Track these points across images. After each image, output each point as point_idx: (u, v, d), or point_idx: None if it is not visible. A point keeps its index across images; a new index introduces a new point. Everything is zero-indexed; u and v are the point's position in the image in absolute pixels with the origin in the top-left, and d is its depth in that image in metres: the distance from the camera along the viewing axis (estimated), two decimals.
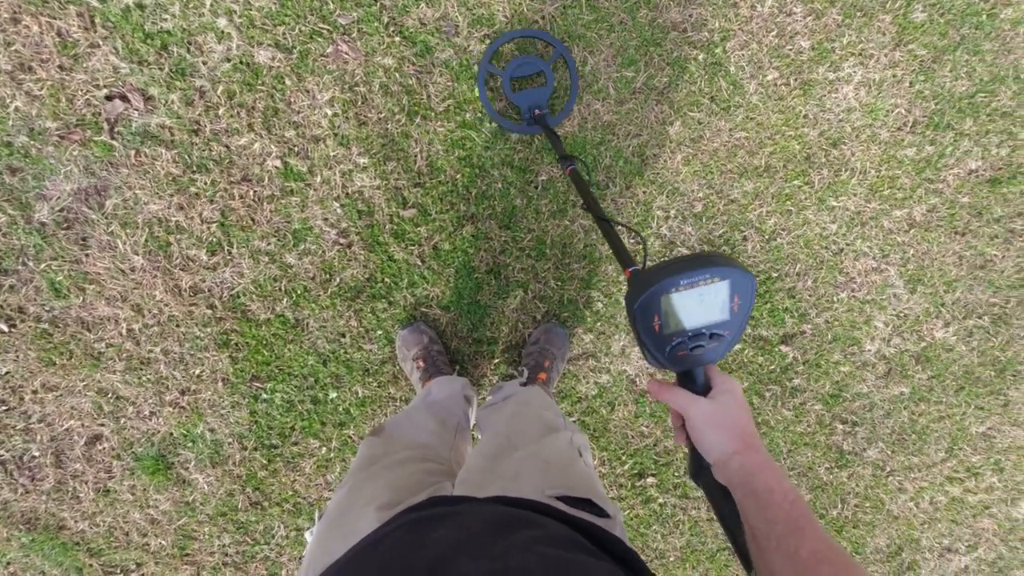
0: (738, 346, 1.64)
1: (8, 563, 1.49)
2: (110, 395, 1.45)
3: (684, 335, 0.58)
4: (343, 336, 1.50)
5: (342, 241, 1.47)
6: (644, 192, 1.54)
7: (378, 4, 1.40)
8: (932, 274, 1.65)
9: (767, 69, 1.53)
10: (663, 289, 0.56)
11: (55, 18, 1.32)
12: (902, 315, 1.67)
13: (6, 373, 1.42)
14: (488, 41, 1.44)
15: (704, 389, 0.61)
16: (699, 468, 0.60)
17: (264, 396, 1.49)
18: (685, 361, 0.59)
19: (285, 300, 1.46)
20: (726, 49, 1.51)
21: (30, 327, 1.40)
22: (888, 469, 1.75)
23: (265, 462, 1.52)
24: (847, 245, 1.62)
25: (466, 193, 1.48)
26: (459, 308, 1.52)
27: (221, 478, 1.51)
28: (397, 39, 1.42)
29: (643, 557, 1.70)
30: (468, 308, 1.52)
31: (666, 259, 0.58)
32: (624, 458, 1.64)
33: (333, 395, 1.52)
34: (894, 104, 1.56)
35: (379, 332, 1.51)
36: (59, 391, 1.44)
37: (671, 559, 1.72)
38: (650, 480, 1.66)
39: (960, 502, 1.80)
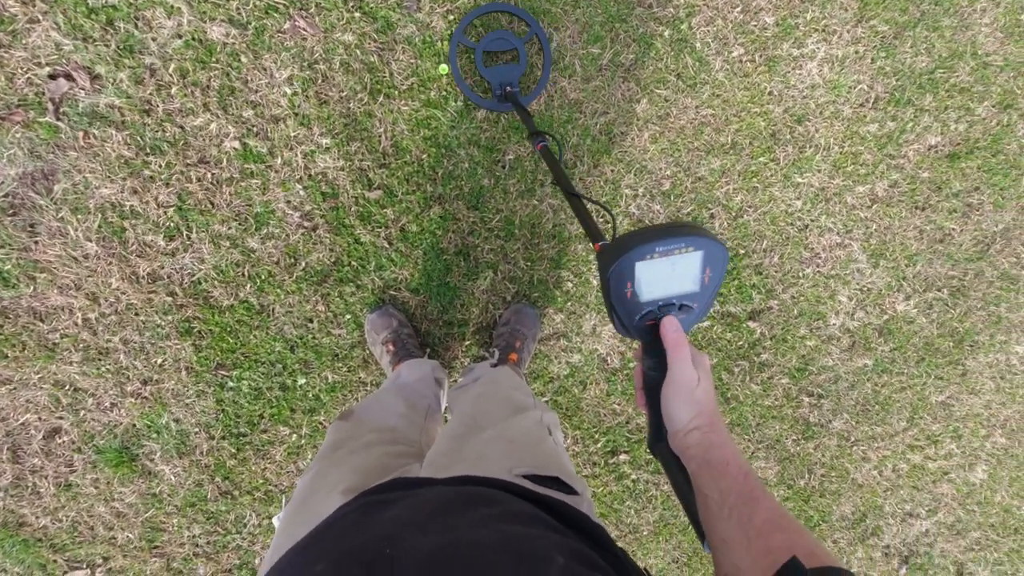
0: (707, 323, 1.66)
1: None
2: (67, 387, 1.40)
3: (655, 304, 0.58)
4: (310, 321, 1.47)
5: (306, 224, 1.43)
6: (612, 171, 1.54)
7: None
8: (894, 248, 1.68)
9: (732, 45, 1.52)
10: (638, 255, 0.55)
11: None
12: (865, 289, 1.71)
13: None
14: (453, 16, 1.40)
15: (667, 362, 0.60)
16: (657, 436, 0.60)
17: (231, 384, 1.46)
18: (653, 330, 0.59)
19: (249, 286, 1.43)
20: (691, 25, 1.50)
21: None
22: (853, 439, 1.80)
23: (234, 451, 1.50)
24: (812, 221, 1.64)
25: (432, 174, 1.46)
26: (428, 290, 1.50)
27: (188, 468, 1.48)
28: (357, 15, 1.37)
29: (616, 532, 1.73)
30: (437, 290, 1.51)
31: (642, 226, 0.57)
32: (597, 436, 1.66)
33: (302, 381, 1.49)
34: (857, 80, 1.57)
35: (347, 316, 1.48)
36: (12, 384, 1.39)
37: (644, 533, 1.75)
38: (623, 457, 1.68)
39: (921, 469, 1.86)
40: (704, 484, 0.52)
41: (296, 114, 1.39)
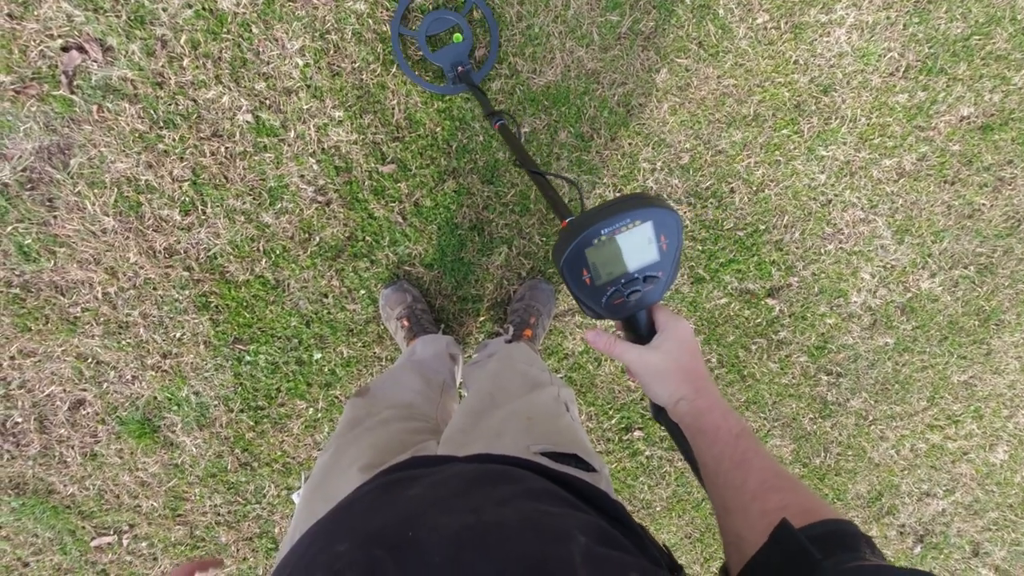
0: (723, 299, 1.63)
1: (0, 526, 1.50)
2: (90, 360, 1.43)
3: (617, 283, 0.57)
4: (325, 296, 1.47)
5: (320, 199, 1.43)
6: (630, 144, 1.50)
7: None
8: (920, 224, 1.64)
9: (757, 12, 1.47)
10: (586, 241, 0.54)
11: None
12: (889, 266, 1.66)
13: None
14: (386, 9, 1.35)
15: (649, 332, 0.60)
16: (658, 409, 0.60)
17: (248, 358, 1.48)
18: (624, 308, 0.58)
19: (264, 261, 1.43)
20: None
21: (1, 292, 1.37)
22: (871, 418, 1.78)
23: (252, 423, 1.52)
24: (835, 196, 1.60)
25: (447, 147, 1.44)
26: (442, 266, 1.50)
27: (209, 440, 1.51)
28: None
29: (630, 508, 1.74)
30: (452, 266, 1.50)
31: (588, 210, 0.56)
32: (611, 413, 1.66)
33: (318, 356, 1.50)
34: (887, 48, 1.51)
35: (362, 292, 1.48)
36: (37, 357, 1.42)
37: (658, 509, 1.76)
38: (637, 434, 1.68)
39: (940, 449, 1.84)
40: (700, 452, 0.52)
41: (308, 86, 1.37)
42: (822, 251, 1.63)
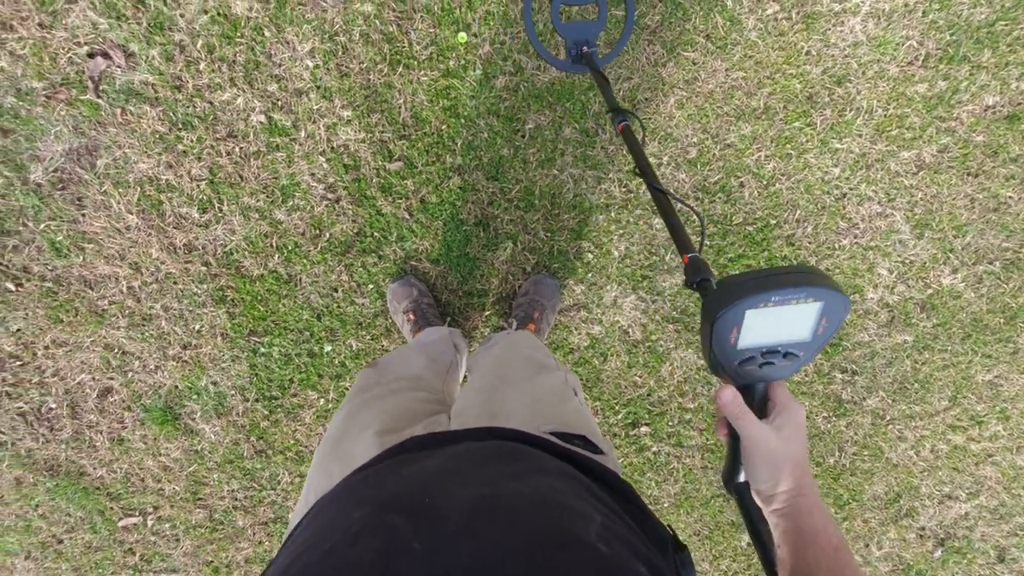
0: None
1: (37, 505, 1.60)
2: (116, 350, 1.51)
3: (759, 350, 0.55)
4: (335, 291, 1.52)
5: (330, 196, 1.47)
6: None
7: None
8: (941, 218, 1.58)
9: (767, 2, 1.44)
10: (752, 303, 0.52)
11: None
12: (907, 261, 1.61)
13: (18, 330, 1.48)
14: None
15: (759, 405, 0.58)
16: (735, 477, 0.59)
17: (262, 350, 1.54)
18: (750, 375, 0.56)
19: (277, 256, 1.48)
20: None
21: (36, 286, 1.45)
22: (888, 418, 1.73)
23: (267, 413, 1.58)
24: (851, 189, 1.56)
25: (452, 144, 1.46)
26: (448, 261, 1.52)
27: (226, 428, 1.58)
28: None
29: None
30: (457, 261, 1.52)
31: (756, 269, 0.54)
32: (617, 408, 1.66)
33: (328, 348, 1.55)
34: (905, 36, 1.46)
35: (370, 286, 1.52)
36: (68, 347, 1.50)
37: (665, 505, 1.76)
38: (644, 429, 1.68)
39: (962, 450, 1.78)
40: (790, 550, 0.50)
41: (318, 87, 1.41)
42: (836, 246, 1.60)
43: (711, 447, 1.70)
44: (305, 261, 1.49)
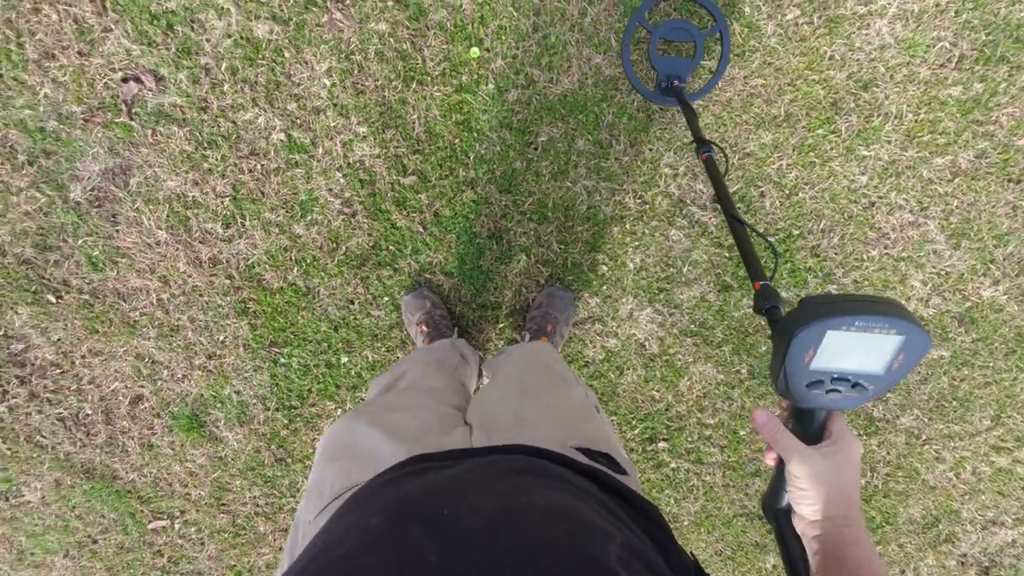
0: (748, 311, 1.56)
1: (74, 507, 1.68)
2: (147, 360, 1.58)
3: (829, 374, 0.54)
4: (352, 303, 1.55)
5: (346, 211, 1.50)
6: (650, 149, 1.47)
7: None
8: (979, 227, 1.50)
9: (787, 7, 1.40)
10: (834, 324, 0.52)
11: (71, 5, 1.39)
12: (943, 273, 1.53)
13: (58, 340, 1.57)
14: None
15: (815, 433, 0.57)
16: (776, 503, 0.58)
17: (282, 360, 1.58)
18: (814, 400, 0.56)
19: (296, 269, 1.52)
20: None
21: (74, 298, 1.54)
22: (924, 437, 1.64)
23: (286, 422, 1.62)
24: (879, 198, 1.49)
25: (465, 158, 1.47)
26: (462, 274, 1.53)
27: (248, 436, 1.62)
28: (390, 3, 1.40)
29: None
30: (471, 274, 1.53)
31: (842, 292, 0.54)
32: (634, 423, 1.63)
33: (345, 359, 1.58)
34: (937, 38, 1.39)
35: (386, 299, 1.55)
36: (103, 356, 1.58)
37: (685, 523, 1.71)
38: (661, 445, 1.64)
39: (1007, 473, 1.67)
40: None
41: (335, 105, 1.44)
42: (865, 257, 1.53)
43: (732, 465, 1.65)
44: (323, 274, 1.53)
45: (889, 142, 1.46)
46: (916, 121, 1.44)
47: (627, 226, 1.51)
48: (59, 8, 1.39)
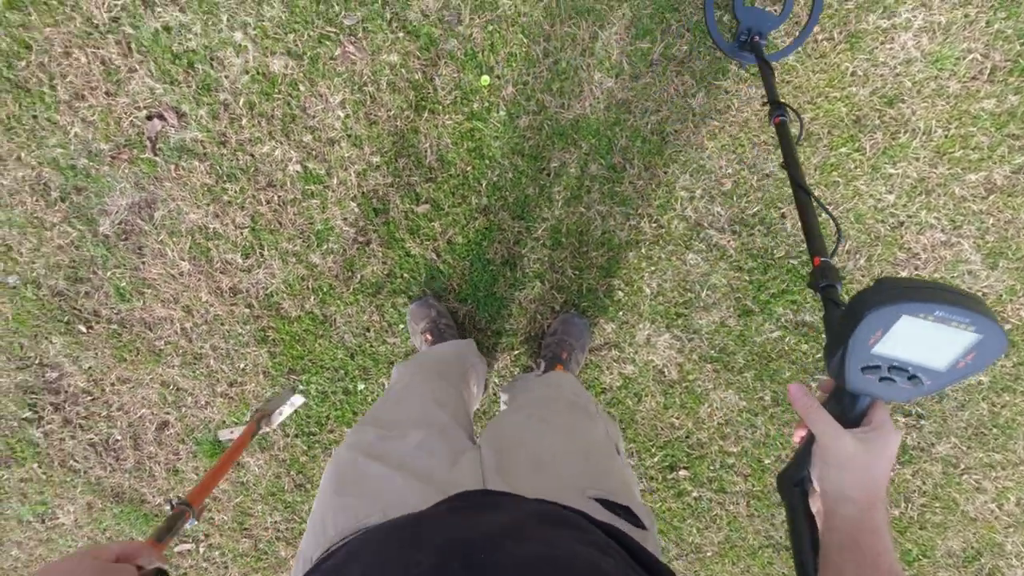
0: (777, 332, 1.51)
1: (105, 529, 1.73)
2: (172, 387, 1.62)
3: (889, 361, 0.52)
4: (368, 330, 1.56)
5: (361, 239, 1.52)
6: (666, 172, 1.45)
7: (380, 1, 1.40)
8: (1019, 246, 1.42)
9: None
10: (911, 309, 0.49)
11: (98, 48, 1.45)
12: (980, 294, 1.46)
13: (89, 368, 1.62)
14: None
15: (853, 418, 0.55)
16: (795, 478, 0.56)
17: (301, 388, 1.60)
18: (865, 385, 0.53)
19: (313, 298, 1.54)
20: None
21: (104, 328, 1.59)
22: (962, 466, 1.56)
23: (305, 448, 1.64)
24: (908, 217, 1.43)
25: (477, 185, 1.47)
26: (476, 301, 1.53)
27: (269, 462, 1.65)
28: (401, 34, 1.41)
29: (677, 551, 1.66)
30: (485, 300, 1.52)
31: (923, 279, 0.53)
32: (654, 450, 1.59)
33: (362, 386, 1.59)
34: (966, 50, 1.33)
35: (401, 326, 1.55)
36: (131, 383, 1.63)
37: (708, 554, 1.66)
38: (682, 473, 1.60)
39: None
40: (842, 566, 0.48)
41: (349, 135, 1.46)
42: None
43: (757, 494, 1.60)
44: (339, 302, 1.55)
45: (917, 159, 1.40)
46: (946, 137, 1.38)
47: (643, 251, 1.48)
48: (87, 51, 1.45)
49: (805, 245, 0.71)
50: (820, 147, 1.41)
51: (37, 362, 1.64)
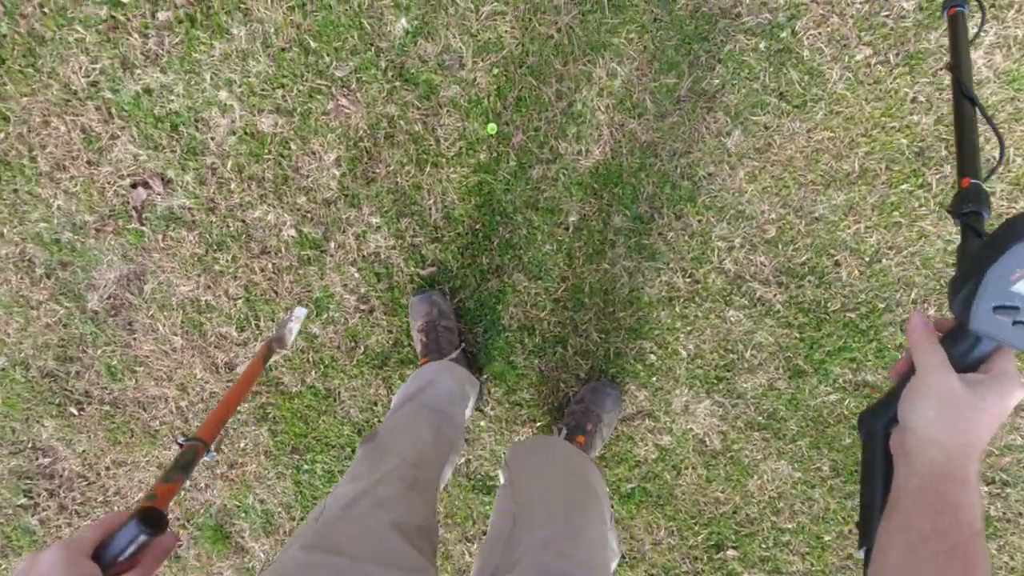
0: (834, 395, 1.33)
1: None
2: None
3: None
4: (375, 405, 1.43)
5: (363, 307, 1.38)
6: (700, 221, 1.28)
7: (374, 48, 1.27)
8: None
9: (855, 47, 1.19)
10: None
11: (78, 115, 1.35)
12: None
13: (83, 451, 1.52)
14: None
15: (972, 364, 0.48)
16: (883, 422, 0.50)
17: (305, 467, 1.47)
18: (993, 327, 0.46)
19: (314, 372, 1.42)
20: (795, 30, 1.19)
21: (96, 409, 1.49)
22: None
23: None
24: None
25: (488, 244, 1.33)
26: (491, 371, 1.38)
27: (274, 547, 1.52)
28: (398, 83, 1.28)
29: None
30: (502, 371, 1.37)
31: None
32: (697, 528, 1.42)
33: None
34: None
35: None
36: (127, 466, 1.52)
37: None
38: (731, 553, 1.42)
39: None
40: (915, 509, 0.43)
41: (346, 195, 1.34)
42: None
43: (816, 574, 1.41)
44: (343, 375, 1.42)
45: (994, 193, 1.21)
46: None
47: (677, 309, 1.32)
48: (67, 119, 1.35)
49: (953, 168, 0.61)
50: (878, 185, 1.23)
51: (30, 446, 1.55)
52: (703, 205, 1.28)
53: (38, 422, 1.51)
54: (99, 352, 1.46)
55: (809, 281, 1.29)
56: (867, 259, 1.27)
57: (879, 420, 0.50)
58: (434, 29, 1.25)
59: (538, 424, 1.41)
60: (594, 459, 1.16)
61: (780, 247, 1.28)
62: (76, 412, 1.49)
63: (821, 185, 1.25)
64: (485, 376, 1.38)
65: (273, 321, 1.40)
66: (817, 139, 1.23)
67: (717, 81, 1.23)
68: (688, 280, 1.31)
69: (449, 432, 1.07)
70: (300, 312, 1.16)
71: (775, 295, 1.30)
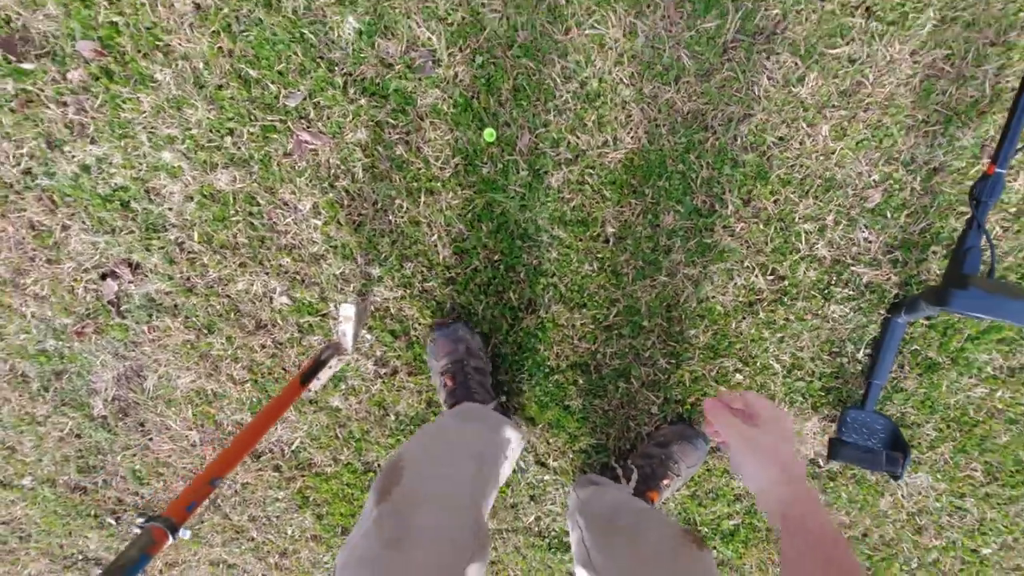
0: (981, 388, 1.04)
1: None
2: (221, 565, 1.40)
3: None
4: None
5: (384, 371, 1.18)
6: (775, 202, 0.99)
7: (324, 63, 1.01)
8: None
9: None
10: None
11: (21, 211, 1.17)
12: None
13: None
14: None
15: None
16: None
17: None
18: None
19: (346, 449, 1.25)
20: None
21: (131, 516, 1.38)
22: None
23: None
24: None
25: (514, 276, 1.08)
26: (543, 420, 1.16)
27: None
28: (363, 101, 1.02)
29: None
30: (557, 417, 1.16)
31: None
32: None
33: None
34: None
35: None
36: (180, 566, 1.43)
37: None
38: None
39: None
40: (783, 543, 0.50)
41: (334, 247, 1.11)
42: None
43: None
44: (378, 447, 1.24)
45: None
46: None
47: (761, 315, 1.04)
48: (11, 218, 1.17)
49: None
50: None
51: (82, 558, 1.47)
52: (778, 180, 0.98)
53: (81, 535, 1.43)
54: (119, 458, 1.34)
55: (934, 252, 0.98)
56: (1012, 211, 0.95)
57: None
58: (392, 22, 0.97)
59: (614, 465, 1.20)
60: (704, 541, 0.84)
61: (889, 215, 0.97)
62: (114, 522, 1.40)
63: (939, 124, 0.92)
64: (539, 426, 1.17)
65: None
66: (927, 61, 0.90)
67: (776, 11, 0.90)
68: (771, 278, 1.03)
69: (489, 471, 0.89)
70: (348, 309, 0.94)
71: (889, 276, 1.00)
